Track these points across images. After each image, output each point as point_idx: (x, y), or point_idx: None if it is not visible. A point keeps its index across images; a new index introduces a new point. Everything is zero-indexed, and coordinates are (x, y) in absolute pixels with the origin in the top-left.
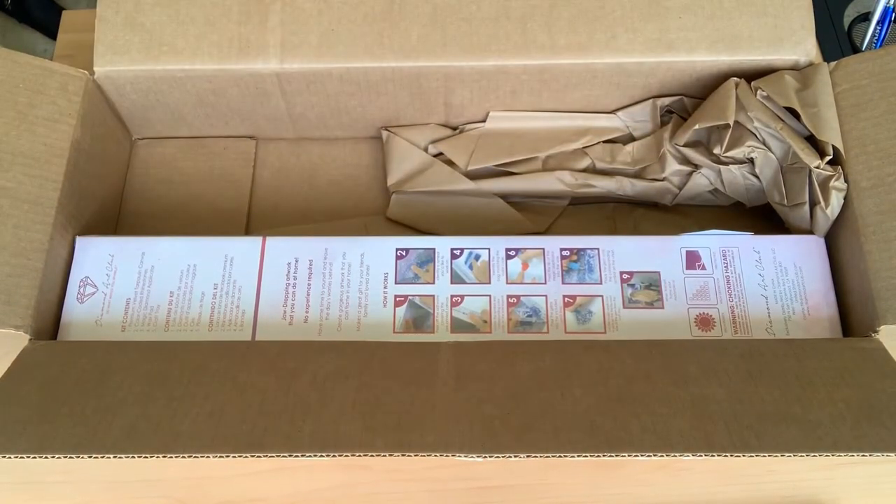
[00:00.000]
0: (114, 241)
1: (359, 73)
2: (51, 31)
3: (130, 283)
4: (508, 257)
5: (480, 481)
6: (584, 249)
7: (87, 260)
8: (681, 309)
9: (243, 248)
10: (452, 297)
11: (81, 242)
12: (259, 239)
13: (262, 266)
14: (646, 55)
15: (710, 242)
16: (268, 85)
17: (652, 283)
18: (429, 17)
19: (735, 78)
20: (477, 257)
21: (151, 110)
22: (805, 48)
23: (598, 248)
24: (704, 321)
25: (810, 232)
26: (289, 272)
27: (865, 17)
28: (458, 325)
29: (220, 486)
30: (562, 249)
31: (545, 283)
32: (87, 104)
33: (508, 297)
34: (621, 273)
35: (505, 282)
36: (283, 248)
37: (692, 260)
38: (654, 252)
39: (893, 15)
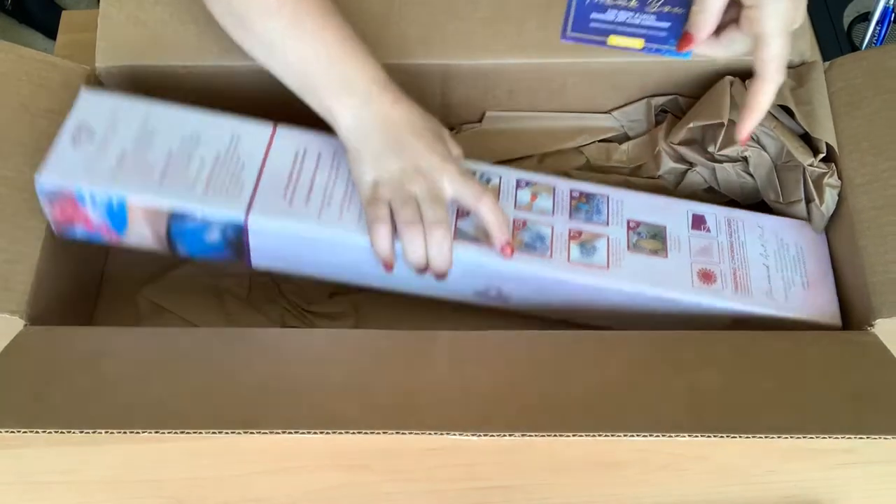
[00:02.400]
0: (121, 97)
1: None
2: (51, 32)
3: (130, 137)
4: (518, 187)
5: (481, 482)
6: (593, 195)
7: (90, 108)
8: (683, 261)
9: (253, 130)
10: (459, 208)
11: (86, 93)
12: (270, 125)
13: (269, 150)
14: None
15: (717, 210)
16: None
17: (658, 233)
18: (427, 16)
19: (730, 76)
20: (488, 180)
21: None
22: (800, 48)
23: (607, 196)
24: (706, 275)
25: None
26: (295, 160)
27: (865, 17)
28: (462, 235)
29: (220, 486)
30: (572, 191)
31: (552, 216)
32: None
33: (515, 220)
34: (628, 220)
35: (513, 207)
36: (294, 138)
37: (698, 222)
38: (662, 209)
39: (893, 15)
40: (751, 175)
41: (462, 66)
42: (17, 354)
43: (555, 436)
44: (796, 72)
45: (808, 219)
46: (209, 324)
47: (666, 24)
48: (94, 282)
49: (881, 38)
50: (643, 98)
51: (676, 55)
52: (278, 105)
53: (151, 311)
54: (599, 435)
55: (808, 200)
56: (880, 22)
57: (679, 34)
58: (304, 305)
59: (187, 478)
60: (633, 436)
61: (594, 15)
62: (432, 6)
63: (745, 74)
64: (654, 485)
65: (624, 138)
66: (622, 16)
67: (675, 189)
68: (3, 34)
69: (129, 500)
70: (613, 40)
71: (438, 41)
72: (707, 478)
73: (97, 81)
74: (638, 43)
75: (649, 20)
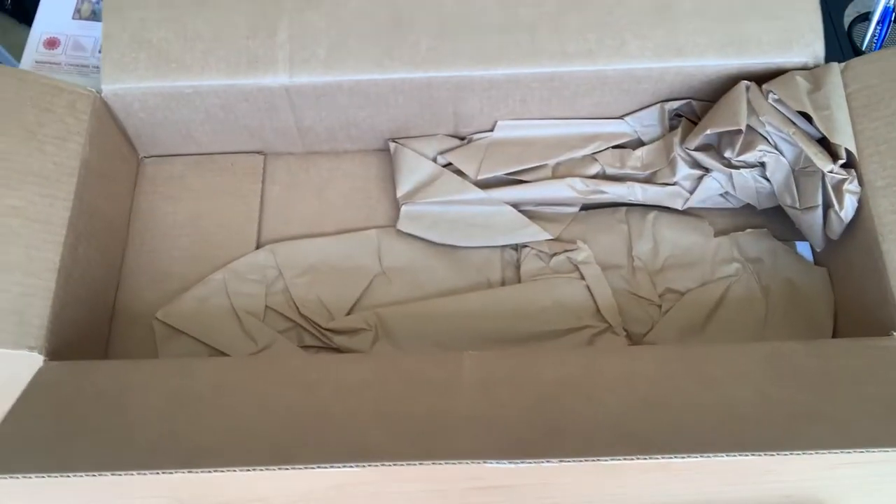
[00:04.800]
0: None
1: (368, 85)
2: None
3: None
4: None
5: (481, 481)
6: None
7: None
8: None
9: None
10: None
11: None
12: None
13: None
14: (655, 60)
15: None
16: (277, 99)
17: None
18: (437, 27)
19: (746, 81)
20: None
21: (159, 127)
22: (814, 50)
23: None
24: None
25: (824, 234)
26: None
27: (865, 17)
28: None
29: (221, 487)
30: None
31: None
32: (95, 123)
33: None
34: None
35: None
36: None
37: None
38: None
39: (893, 15)
40: (767, 180)
41: (474, 77)
42: (39, 394)
43: (593, 460)
44: (812, 74)
45: (825, 225)
46: (227, 345)
47: None
48: (106, 309)
49: (881, 38)
50: (656, 103)
51: None
52: (281, 122)
53: (167, 334)
54: (637, 458)
55: (827, 207)
56: (880, 22)
57: None
58: (322, 323)
59: (188, 478)
60: (672, 457)
61: None
62: (443, 16)
63: (760, 78)
64: (654, 485)
65: (637, 144)
66: None
67: (691, 195)
68: (3, 34)
69: (130, 500)
70: None
71: (450, 52)
72: (707, 478)
73: (102, 104)
74: None
75: None
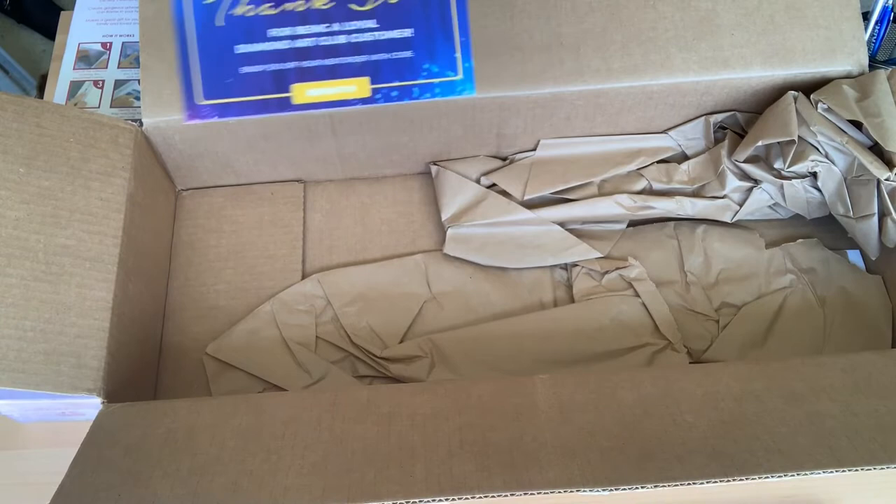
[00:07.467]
0: None
1: (412, 109)
2: (49, 32)
3: None
4: None
5: None
6: None
7: None
8: None
9: None
10: None
11: None
12: None
13: None
14: (702, 73)
15: None
16: (320, 126)
17: None
18: (481, 47)
19: (793, 92)
20: None
21: (199, 159)
22: (858, 58)
23: None
24: None
25: (879, 242)
26: None
27: (865, 17)
28: None
29: None
30: None
31: None
32: (138, 156)
33: None
34: None
35: None
36: None
37: None
38: None
39: (893, 15)
40: (818, 190)
41: (519, 97)
42: (105, 439)
43: (689, 484)
44: (858, 82)
45: (881, 233)
46: (280, 378)
47: None
48: (155, 346)
49: (880, 38)
50: (701, 116)
51: None
52: (322, 149)
53: (219, 370)
54: (734, 479)
55: (883, 215)
56: (879, 21)
57: None
58: (376, 352)
59: None
60: (768, 477)
61: None
62: (485, 36)
63: (805, 88)
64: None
65: (681, 157)
66: None
67: (740, 207)
68: (2, 35)
69: None
70: None
71: (494, 72)
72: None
73: (143, 138)
74: None
75: None
